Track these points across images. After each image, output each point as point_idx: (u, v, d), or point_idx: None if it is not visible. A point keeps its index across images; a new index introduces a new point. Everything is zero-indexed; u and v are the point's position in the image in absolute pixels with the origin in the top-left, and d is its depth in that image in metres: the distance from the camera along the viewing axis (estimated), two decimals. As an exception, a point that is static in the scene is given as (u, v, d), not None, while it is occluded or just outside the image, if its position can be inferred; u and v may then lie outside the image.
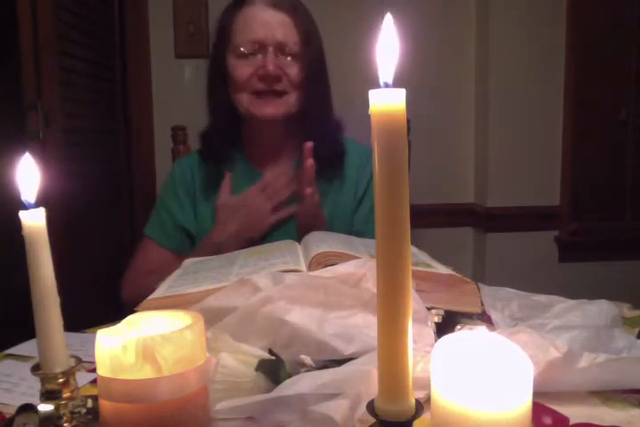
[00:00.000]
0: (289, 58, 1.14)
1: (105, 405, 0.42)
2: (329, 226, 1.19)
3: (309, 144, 1.06)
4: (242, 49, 1.14)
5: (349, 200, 1.22)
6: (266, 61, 1.12)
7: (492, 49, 2.08)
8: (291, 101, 1.15)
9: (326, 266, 0.71)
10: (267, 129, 1.19)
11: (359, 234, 1.12)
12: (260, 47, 1.13)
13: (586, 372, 0.55)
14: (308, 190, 1.06)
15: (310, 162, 1.06)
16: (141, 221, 2.17)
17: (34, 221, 0.46)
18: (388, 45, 0.33)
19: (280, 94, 1.15)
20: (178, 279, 0.81)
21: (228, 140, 1.22)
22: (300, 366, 0.56)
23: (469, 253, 2.26)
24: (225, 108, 1.19)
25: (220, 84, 1.18)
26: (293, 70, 1.14)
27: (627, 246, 2.19)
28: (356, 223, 1.21)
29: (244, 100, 1.15)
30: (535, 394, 0.36)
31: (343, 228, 1.19)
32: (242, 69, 1.14)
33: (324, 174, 1.19)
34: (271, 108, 1.14)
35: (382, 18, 0.33)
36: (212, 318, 0.60)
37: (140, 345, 0.41)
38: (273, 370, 0.55)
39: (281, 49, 1.13)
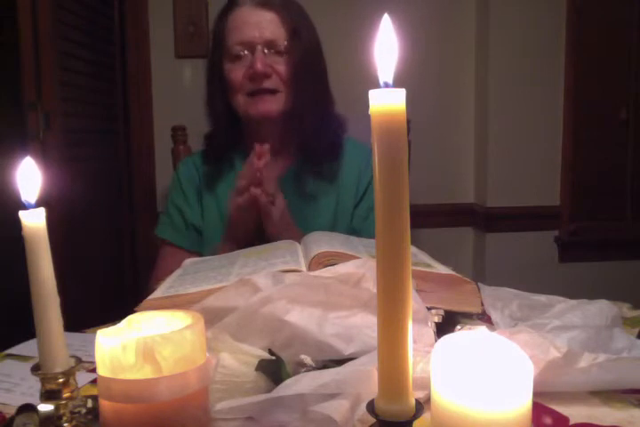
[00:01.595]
0: (279, 55, 1.15)
1: (105, 405, 0.42)
2: (333, 225, 1.19)
3: (260, 147, 1.05)
4: (233, 51, 1.15)
5: (351, 199, 1.23)
6: (254, 60, 1.13)
7: (491, 49, 2.07)
8: (283, 98, 1.16)
9: (326, 266, 0.71)
10: (265, 129, 1.20)
11: (356, 231, 1.12)
12: (250, 48, 1.14)
13: (586, 372, 0.55)
14: (253, 190, 1.04)
15: (257, 162, 1.04)
16: (141, 221, 2.18)
17: (34, 221, 0.45)
18: (386, 47, 0.32)
19: (272, 92, 1.15)
20: (178, 279, 0.81)
21: (229, 142, 1.23)
22: (299, 366, 0.56)
23: (469, 253, 2.26)
24: (223, 112, 1.21)
25: (217, 88, 1.20)
26: (283, 67, 1.15)
27: (627, 246, 2.19)
28: (355, 221, 1.22)
29: (240, 102, 1.17)
30: (535, 394, 0.36)
31: (346, 226, 1.20)
32: (235, 72, 1.16)
33: (323, 173, 1.20)
34: (265, 106, 1.15)
35: (381, 17, 0.33)
36: (212, 318, 0.60)
37: (140, 345, 0.40)
38: (273, 370, 0.55)
39: (270, 47, 1.14)
